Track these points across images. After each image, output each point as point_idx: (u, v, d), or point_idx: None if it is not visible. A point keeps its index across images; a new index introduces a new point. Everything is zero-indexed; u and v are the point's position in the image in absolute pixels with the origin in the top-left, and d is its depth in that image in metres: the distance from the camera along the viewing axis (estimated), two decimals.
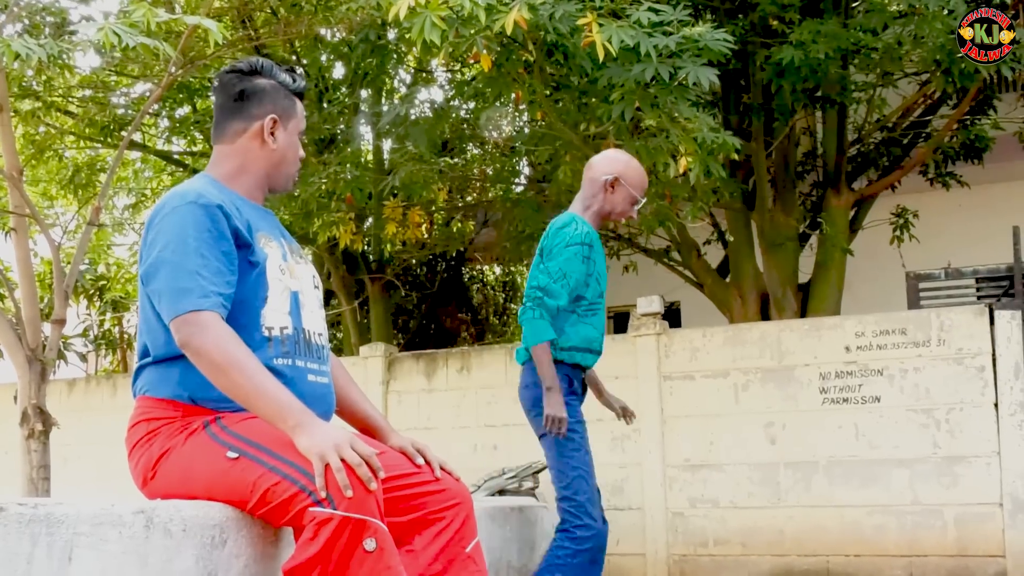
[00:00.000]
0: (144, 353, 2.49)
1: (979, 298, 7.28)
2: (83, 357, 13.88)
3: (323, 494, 2.17)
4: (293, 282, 2.54)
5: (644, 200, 4.17)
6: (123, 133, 9.10)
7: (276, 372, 2.38)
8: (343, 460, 2.18)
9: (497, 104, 7.48)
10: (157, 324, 2.43)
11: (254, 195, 2.63)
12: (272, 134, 2.61)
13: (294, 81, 2.69)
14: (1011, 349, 6.44)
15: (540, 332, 3.96)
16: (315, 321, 2.60)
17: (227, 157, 2.62)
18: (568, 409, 4.05)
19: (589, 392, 4.41)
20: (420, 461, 2.55)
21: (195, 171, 10.06)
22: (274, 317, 2.47)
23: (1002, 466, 6.37)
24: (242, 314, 2.42)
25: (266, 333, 2.45)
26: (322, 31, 8.85)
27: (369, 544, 2.18)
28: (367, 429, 2.71)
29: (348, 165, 8.60)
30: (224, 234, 2.41)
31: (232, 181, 2.59)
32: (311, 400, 2.42)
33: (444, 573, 2.48)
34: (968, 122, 8.87)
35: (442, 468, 2.57)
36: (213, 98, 2.66)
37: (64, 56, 5.05)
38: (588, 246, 4.04)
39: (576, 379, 4.17)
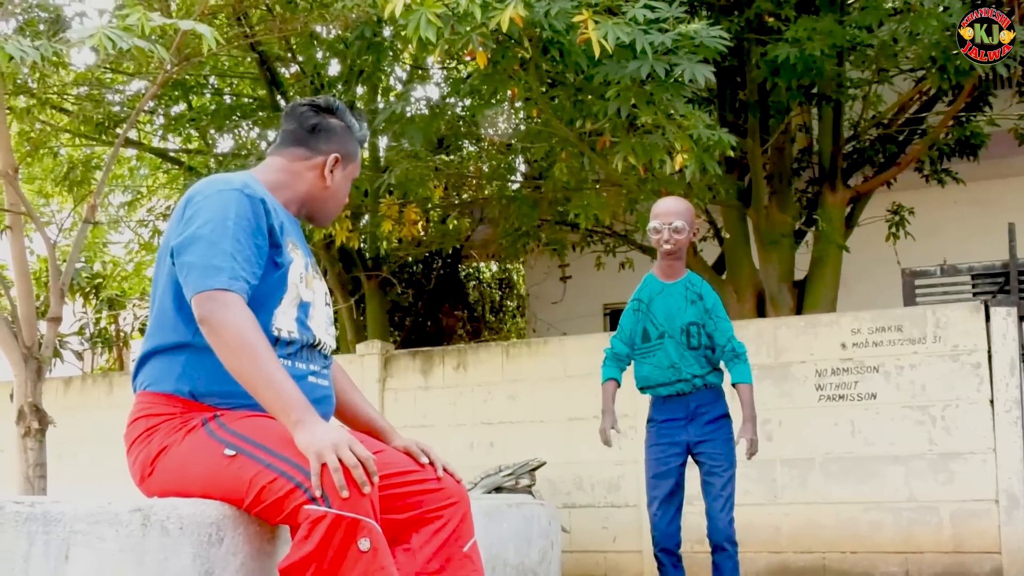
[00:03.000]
0: (148, 342, 2.50)
1: (975, 295, 7.29)
2: (79, 355, 13.85)
3: (318, 492, 2.17)
4: (308, 293, 2.57)
5: (658, 223, 4.55)
6: (118, 130, 9.08)
7: None
8: (340, 461, 2.19)
9: (493, 101, 7.46)
10: (170, 307, 2.44)
11: (290, 207, 2.68)
12: (331, 171, 2.68)
13: (360, 128, 2.78)
14: (1007, 346, 6.45)
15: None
16: (324, 334, 2.62)
17: (278, 170, 2.68)
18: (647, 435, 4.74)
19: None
20: (424, 459, 2.56)
21: (191, 168, 10.05)
22: (284, 320, 2.49)
23: (997, 463, 6.38)
24: (256, 310, 2.42)
25: (275, 333, 2.47)
26: (318, 28, 8.82)
27: (363, 544, 2.18)
28: (371, 432, 2.72)
29: None
30: (261, 228, 2.45)
31: (275, 189, 2.64)
32: (311, 401, 2.42)
33: (441, 572, 2.48)
34: (963, 119, 8.87)
35: (444, 469, 2.58)
36: (283, 123, 2.75)
37: (59, 55, 5.04)
38: (638, 300, 4.70)
39: (655, 407, 4.72)
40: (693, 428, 4.60)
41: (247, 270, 2.38)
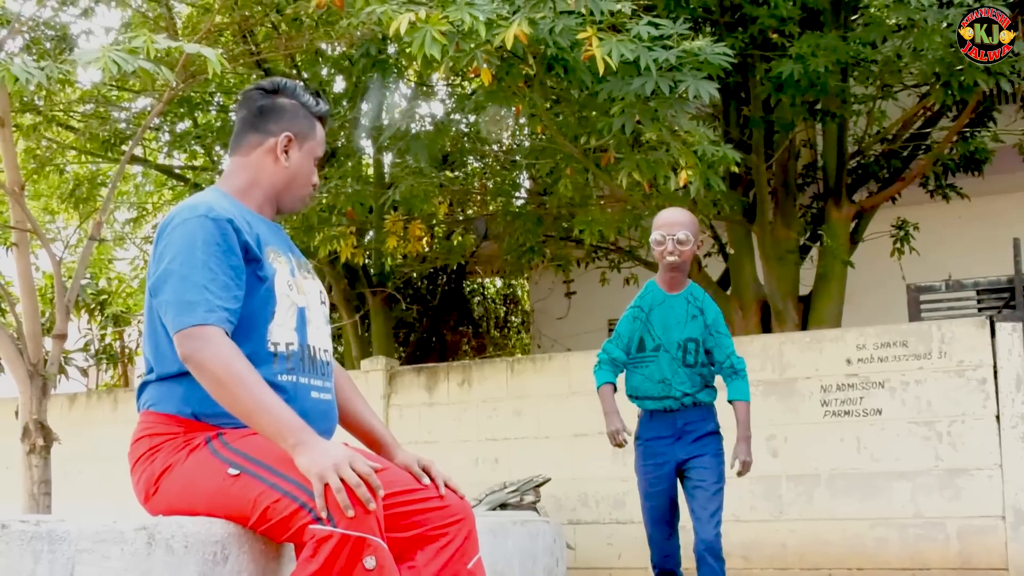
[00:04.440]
0: (149, 369, 2.50)
1: (980, 310, 7.29)
2: (84, 372, 13.87)
3: (323, 514, 2.17)
4: (300, 298, 2.55)
5: (661, 234, 4.37)
6: (124, 147, 9.12)
7: (279, 388, 2.39)
8: (342, 480, 2.18)
9: (500, 114, 7.48)
10: (164, 339, 2.43)
11: (264, 210, 2.64)
12: (286, 152, 2.62)
13: (316, 104, 2.70)
14: (1012, 361, 6.44)
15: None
16: (321, 337, 2.60)
17: (240, 170, 2.64)
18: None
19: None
20: (426, 480, 2.54)
21: (196, 185, 10.09)
22: (280, 333, 2.48)
23: (1004, 478, 6.36)
24: (249, 329, 2.42)
25: (271, 349, 2.45)
26: (323, 45, 8.87)
27: (369, 562, 2.18)
28: (373, 444, 2.71)
29: (349, 179, 8.61)
30: (233, 248, 2.42)
31: (243, 195, 2.61)
32: (314, 417, 2.42)
33: None
34: (968, 134, 8.88)
35: (446, 485, 2.57)
36: (237, 113, 2.70)
37: (64, 75, 5.06)
38: (638, 308, 4.50)
39: (642, 425, 4.50)
40: (680, 446, 4.41)
41: (224, 297, 2.36)
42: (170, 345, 2.40)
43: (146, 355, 2.51)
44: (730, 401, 4.44)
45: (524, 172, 10.01)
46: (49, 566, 1.99)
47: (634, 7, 5.66)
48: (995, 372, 6.48)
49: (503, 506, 6.75)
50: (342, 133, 9.20)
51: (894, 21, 6.99)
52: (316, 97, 2.71)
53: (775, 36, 7.50)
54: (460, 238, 11.45)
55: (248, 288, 2.44)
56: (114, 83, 8.61)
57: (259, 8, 7.70)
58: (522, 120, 7.92)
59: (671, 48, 5.57)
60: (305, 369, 2.51)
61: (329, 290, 10.56)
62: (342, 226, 8.67)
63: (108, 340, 13.80)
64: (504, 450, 7.68)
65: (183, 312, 2.32)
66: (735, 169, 6.40)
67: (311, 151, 2.68)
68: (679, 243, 4.32)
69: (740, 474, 4.36)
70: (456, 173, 9.71)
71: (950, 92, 7.09)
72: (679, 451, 4.39)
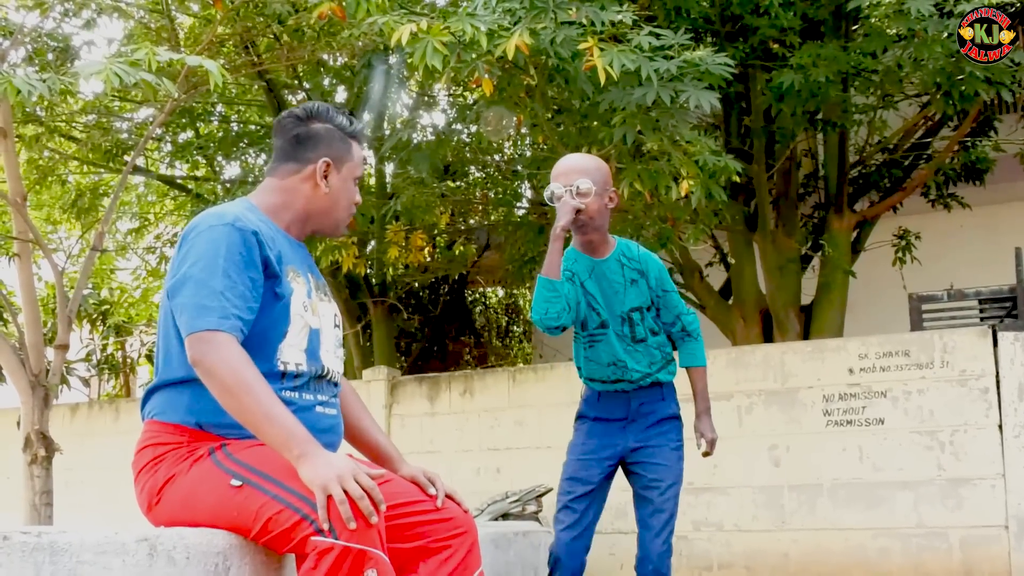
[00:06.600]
0: (156, 374, 2.51)
1: (982, 319, 7.27)
2: (86, 382, 13.89)
3: (326, 526, 2.17)
4: (314, 319, 2.55)
5: (558, 186, 3.60)
6: (126, 158, 9.13)
7: (284, 402, 2.38)
8: (345, 492, 2.18)
9: (502, 119, 7.48)
10: (174, 343, 2.44)
11: (291, 229, 2.64)
12: (325, 177, 2.63)
13: (350, 124, 2.70)
14: (1015, 370, 6.43)
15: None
16: (332, 360, 2.60)
17: (274, 190, 2.65)
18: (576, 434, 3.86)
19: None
20: (432, 491, 2.54)
21: (198, 195, 10.10)
22: (290, 353, 2.48)
23: (1007, 488, 6.35)
24: (260, 345, 2.42)
25: (280, 367, 2.46)
26: (325, 56, 8.89)
27: (370, 575, 2.18)
28: (378, 458, 2.72)
29: None
30: (255, 261, 2.42)
31: (273, 213, 2.61)
32: (318, 431, 2.42)
33: None
34: (969, 144, 8.88)
35: (449, 497, 2.57)
36: (273, 140, 2.71)
37: (66, 87, 5.09)
38: (569, 271, 3.70)
39: (587, 403, 3.84)
40: (633, 431, 3.70)
41: (239, 306, 2.36)
42: (179, 349, 2.41)
43: (156, 360, 2.52)
44: (684, 367, 3.84)
45: (526, 182, 10.02)
46: None
47: (635, 17, 5.68)
48: (997, 381, 6.47)
49: (505, 516, 6.74)
50: None
51: (895, 31, 7.00)
52: (349, 117, 2.71)
53: (776, 46, 7.51)
54: (462, 248, 11.46)
55: (264, 304, 2.44)
56: (116, 94, 8.63)
57: (261, 19, 7.72)
58: (524, 130, 7.93)
59: (672, 58, 5.58)
60: (311, 388, 2.52)
61: None
62: (343, 236, 8.68)
63: (110, 350, 13.80)
64: (506, 460, 7.67)
65: (198, 316, 2.33)
66: (736, 179, 6.40)
67: (351, 172, 2.68)
68: (580, 195, 3.53)
69: (707, 454, 3.78)
70: (458, 183, 9.73)
71: (951, 102, 7.10)
72: (631, 437, 3.71)
